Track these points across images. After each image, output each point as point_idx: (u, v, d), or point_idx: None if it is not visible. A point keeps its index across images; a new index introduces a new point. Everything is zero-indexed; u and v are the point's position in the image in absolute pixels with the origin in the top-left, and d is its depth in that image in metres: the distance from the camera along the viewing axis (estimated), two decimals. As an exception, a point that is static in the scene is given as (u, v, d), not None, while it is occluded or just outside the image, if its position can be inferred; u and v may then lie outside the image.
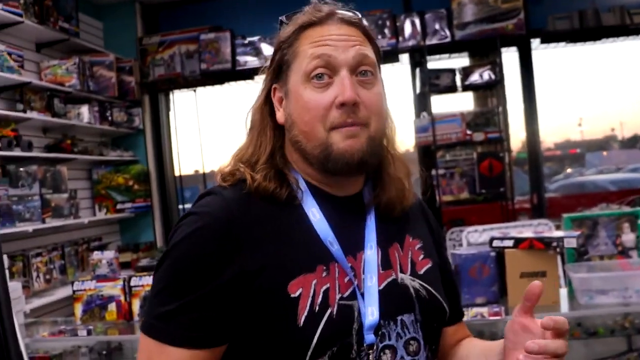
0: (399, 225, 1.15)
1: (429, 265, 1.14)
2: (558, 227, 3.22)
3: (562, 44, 5.16)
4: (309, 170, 1.09)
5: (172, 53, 5.27)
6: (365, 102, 1.04)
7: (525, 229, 3.86)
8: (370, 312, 1.00)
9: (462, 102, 5.92)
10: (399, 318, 1.04)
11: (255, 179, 1.05)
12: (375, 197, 1.13)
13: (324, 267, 1.01)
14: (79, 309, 3.08)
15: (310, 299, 0.98)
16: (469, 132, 4.86)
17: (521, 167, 6.29)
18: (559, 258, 2.76)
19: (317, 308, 0.98)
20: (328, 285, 1.00)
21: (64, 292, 4.16)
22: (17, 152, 3.96)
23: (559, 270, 2.64)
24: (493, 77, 4.86)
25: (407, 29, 4.86)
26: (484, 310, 2.45)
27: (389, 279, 1.07)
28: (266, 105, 1.13)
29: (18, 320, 3.17)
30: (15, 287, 3.48)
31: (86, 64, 4.80)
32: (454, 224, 4.84)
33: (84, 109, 4.76)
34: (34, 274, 4.14)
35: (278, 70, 1.11)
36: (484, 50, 5.16)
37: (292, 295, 0.97)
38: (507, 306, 2.46)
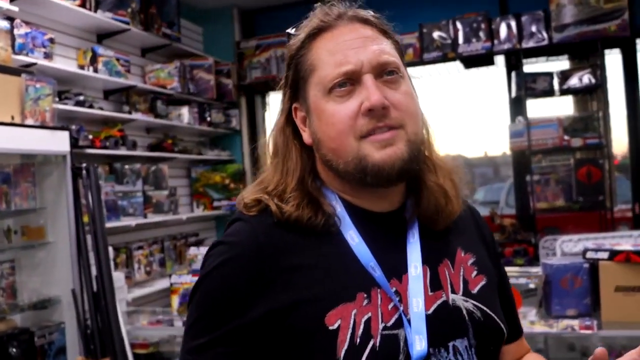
0: (448, 238, 1.05)
1: (484, 282, 1.04)
2: (661, 240, 3.06)
3: (672, 45, 4.88)
4: (345, 188, 1.00)
5: (269, 56, 5.43)
6: (395, 104, 0.94)
7: (624, 240, 3.68)
8: (418, 341, 0.91)
9: (561, 107, 5.73)
10: (450, 344, 0.94)
11: (284, 210, 0.95)
12: (416, 210, 1.02)
13: (365, 295, 0.93)
14: (175, 301, 3.26)
15: (350, 331, 0.90)
16: (566, 137, 4.70)
17: (626, 174, 6.00)
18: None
19: (358, 340, 0.89)
20: (370, 314, 0.91)
21: (162, 283, 4.40)
22: (122, 151, 4.23)
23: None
24: (593, 80, 4.68)
25: (503, 31, 4.77)
26: (575, 323, 2.39)
27: (439, 302, 0.97)
28: (288, 127, 1.04)
29: (121, 308, 3.40)
30: (118, 277, 3.72)
31: (187, 67, 5.04)
32: (548, 232, 4.69)
33: (184, 110, 5.00)
34: (136, 266, 4.41)
35: (295, 88, 1.02)
36: (584, 53, 4.97)
37: (331, 328, 0.89)
38: (600, 320, 2.38)
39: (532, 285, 2.54)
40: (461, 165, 1.10)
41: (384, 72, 0.95)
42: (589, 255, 2.47)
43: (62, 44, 3.93)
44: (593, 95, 5.00)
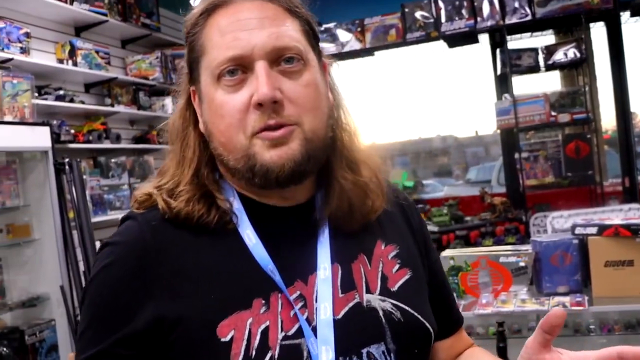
0: (366, 231, 0.95)
1: (407, 276, 0.94)
2: (651, 213, 3.05)
3: (656, 16, 4.86)
4: (242, 183, 0.89)
5: (251, 43, 5.35)
6: (291, 97, 0.83)
7: (614, 214, 3.68)
8: (325, 352, 0.82)
9: (548, 82, 5.69)
10: (364, 351, 0.85)
11: (172, 206, 0.86)
12: (327, 207, 0.92)
13: (263, 302, 0.83)
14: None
15: (245, 342, 0.81)
16: (553, 113, 4.67)
17: (616, 148, 5.98)
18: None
19: (253, 353, 0.80)
20: (267, 323, 0.82)
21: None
22: (106, 145, 4.17)
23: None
24: (579, 55, 4.64)
25: (486, 8, 4.71)
26: (566, 299, 2.37)
27: (351, 304, 0.87)
28: (188, 111, 0.93)
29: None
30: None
31: (168, 57, 4.98)
32: (539, 209, 4.69)
33: (168, 101, 4.94)
34: (125, 260, 4.37)
35: (191, 69, 0.91)
36: (568, 27, 4.93)
37: (223, 339, 0.80)
38: (591, 296, 2.37)
39: (522, 264, 2.52)
40: (383, 155, 1.00)
41: (282, 59, 0.84)
42: (578, 231, 2.45)
43: (38, 38, 3.87)
44: (579, 69, 4.98)
